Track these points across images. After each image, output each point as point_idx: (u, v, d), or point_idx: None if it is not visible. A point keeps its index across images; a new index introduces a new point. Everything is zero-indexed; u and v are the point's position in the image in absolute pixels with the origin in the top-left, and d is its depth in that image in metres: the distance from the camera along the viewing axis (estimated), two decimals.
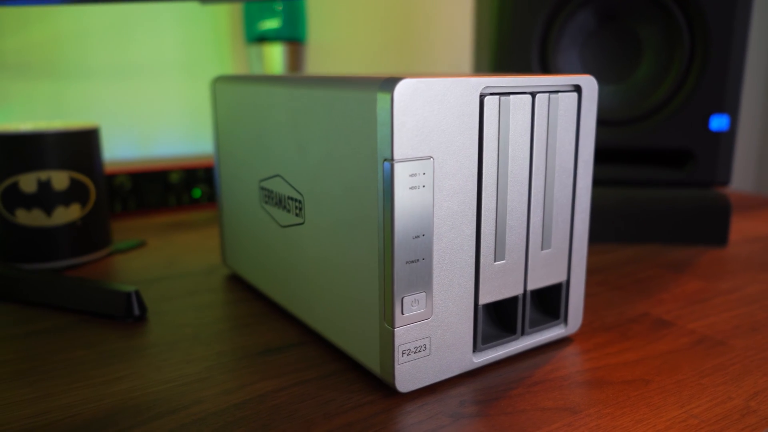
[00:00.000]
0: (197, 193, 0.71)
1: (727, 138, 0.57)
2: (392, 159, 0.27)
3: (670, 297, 0.44)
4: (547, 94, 0.32)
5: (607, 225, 0.58)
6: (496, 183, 0.31)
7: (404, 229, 0.28)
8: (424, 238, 0.29)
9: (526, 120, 0.31)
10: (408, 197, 0.28)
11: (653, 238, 0.58)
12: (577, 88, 0.34)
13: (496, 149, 0.31)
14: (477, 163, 0.30)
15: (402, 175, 0.28)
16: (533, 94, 0.32)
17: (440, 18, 0.99)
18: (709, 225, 0.57)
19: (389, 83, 0.27)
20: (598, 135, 0.58)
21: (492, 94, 0.30)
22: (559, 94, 0.33)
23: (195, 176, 0.71)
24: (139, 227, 0.64)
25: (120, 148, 0.79)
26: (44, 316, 0.41)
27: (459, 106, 0.29)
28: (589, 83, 0.34)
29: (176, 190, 0.70)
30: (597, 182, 0.60)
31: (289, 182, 0.37)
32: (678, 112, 0.57)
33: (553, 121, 0.33)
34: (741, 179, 1.34)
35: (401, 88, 0.27)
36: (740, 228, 0.63)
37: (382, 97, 0.27)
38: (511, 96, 0.31)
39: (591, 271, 0.50)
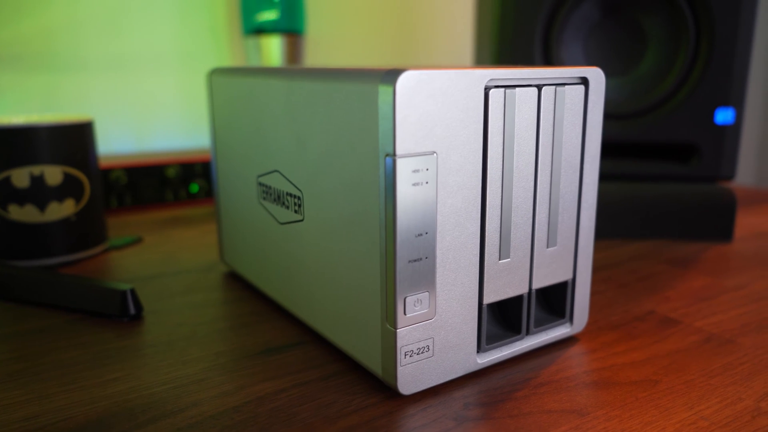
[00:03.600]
0: (194, 188, 0.70)
1: (732, 132, 0.56)
2: (394, 154, 0.27)
3: (675, 294, 0.43)
4: (554, 87, 0.31)
5: (610, 221, 0.57)
6: (501, 179, 0.30)
7: (407, 226, 0.27)
8: (427, 236, 0.28)
9: (532, 114, 0.30)
10: (411, 194, 0.27)
11: (657, 234, 0.57)
12: (584, 81, 0.33)
13: (501, 144, 0.30)
14: (482, 159, 0.29)
15: (404, 171, 0.27)
16: (539, 87, 0.31)
17: (440, 11, 0.98)
18: (714, 220, 0.56)
19: (391, 75, 0.26)
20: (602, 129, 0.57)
21: (497, 86, 0.29)
22: (566, 86, 0.32)
23: (192, 171, 0.70)
24: (135, 223, 0.63)
25: (115, 142, 0.78)
26: (37, 315, 0.40)
27: (463, 99, 0.28)
28: (596, 75, 0.33)
29: (173, 185, 0.69)
30: (599, 177, 0.59)
31: (287, 178, 0.36)
32: (682, 105, 0.56)
33: (560, 114, 0.32)
34: (741, 173, 1.33)
35: (404, 81, 0.26)
36: (744, 223, 0.62)
37: (384, 90, 0.26)
38: (517, 89, 0.30)
39: (595, 269, 0.49)
